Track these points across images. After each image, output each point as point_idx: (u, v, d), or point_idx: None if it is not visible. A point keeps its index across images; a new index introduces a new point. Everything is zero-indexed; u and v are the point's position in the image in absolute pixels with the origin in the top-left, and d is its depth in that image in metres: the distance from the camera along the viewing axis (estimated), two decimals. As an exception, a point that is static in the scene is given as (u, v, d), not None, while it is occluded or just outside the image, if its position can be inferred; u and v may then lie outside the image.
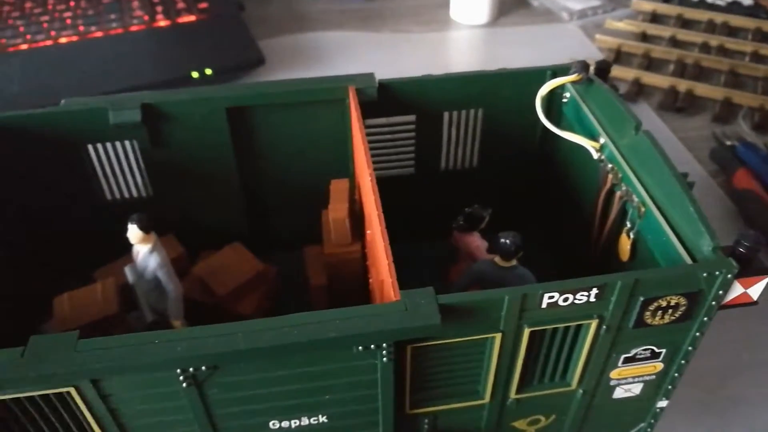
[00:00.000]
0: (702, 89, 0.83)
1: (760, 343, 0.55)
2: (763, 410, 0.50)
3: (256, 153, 0.51)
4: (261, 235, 0.55)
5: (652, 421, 0.44)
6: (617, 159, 0.43)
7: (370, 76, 0.48)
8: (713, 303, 0.35)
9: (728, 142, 0.74)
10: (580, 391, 0.40)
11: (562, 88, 0.49)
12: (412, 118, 0.51)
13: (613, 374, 0.39)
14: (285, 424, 0.36)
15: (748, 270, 0.34)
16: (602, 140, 0.45)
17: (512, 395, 0.39)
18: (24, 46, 0.90)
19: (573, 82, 0.47)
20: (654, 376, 0.40)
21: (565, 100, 0.50)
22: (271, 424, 0.36)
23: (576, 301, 0.34)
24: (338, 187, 0.48)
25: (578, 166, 0.49)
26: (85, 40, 0.92)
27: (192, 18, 0.97)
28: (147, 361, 0.30)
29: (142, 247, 0.42)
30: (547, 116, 0.48)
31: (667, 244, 0.38)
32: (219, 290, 0.48)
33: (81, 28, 0.94)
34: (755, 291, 0.35)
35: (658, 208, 0.39)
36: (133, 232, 0.41)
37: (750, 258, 0.34)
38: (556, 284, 0.33)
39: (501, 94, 0.50)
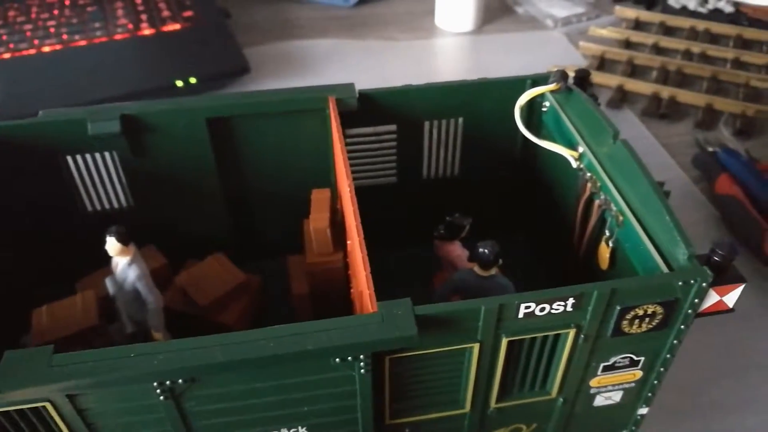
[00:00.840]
0: (684, 96, 0.83)
1: (738, 349, 0.56)
2: (744, 415, 0.51)
3: (238, 163, 0.51)
4: (244, 245, 0.55)
5: (633, 428, 0.44)
6: (596, 168, 0.43)
7: (351, 86, 0.48)
8: (689, 311, 0.35)
9: (710, 149, 0.75)
10: (561, 399, 0.40)
11: (541, 97, 0.50)
12: (393, 127, 0.51)
13: (593, 382, 0.39)
14: (264, 436, 0.36)
15: (724, 278, 0.35)
16: (581, 149, 0.45)
17: (492, 404, 0.39)
18: (6, 55, 0.90)
19: (552, 91, 0.47)
20: (634, 384, 0.40)
21: (544, 109, 0.50)
22: (250, 436, 0.36)
23: (553, 311, 0.34)
24: (319, 197, 0.48)
25: (558, 174, 0.49)
26: (69, 48, 0.92)
27: (177, 26, 0.97)
28: (123, 375, 0.30)
29: (120, 259, 0.42)
30: (527, 125, 0.48)
31: (644, 253, 0.38)
32: (201, 300, 0.48)
33: (65, 36, 0.93)
34: (731, 299, 0.36)
35: (636, 217, 0.39)
36: (112, 245, 0.41)
37: (725, 266, 0.35)
38: (532, 294, 0.33)
39: (481, 103, 0.51)
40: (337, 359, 0.32)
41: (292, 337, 0.31)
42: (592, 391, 0.40)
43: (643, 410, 0.42)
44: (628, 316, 0.35)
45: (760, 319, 0.58)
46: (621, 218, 0.40)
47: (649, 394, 0.41)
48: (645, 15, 1.00)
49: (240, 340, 0.31)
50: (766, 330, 0.57)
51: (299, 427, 0.36)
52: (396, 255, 0.54)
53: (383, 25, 1.04)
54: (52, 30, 0.95)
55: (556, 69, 0.48)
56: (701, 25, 0.96)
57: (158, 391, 0.32)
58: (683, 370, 0.50)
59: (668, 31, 0.98)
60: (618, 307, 0.34)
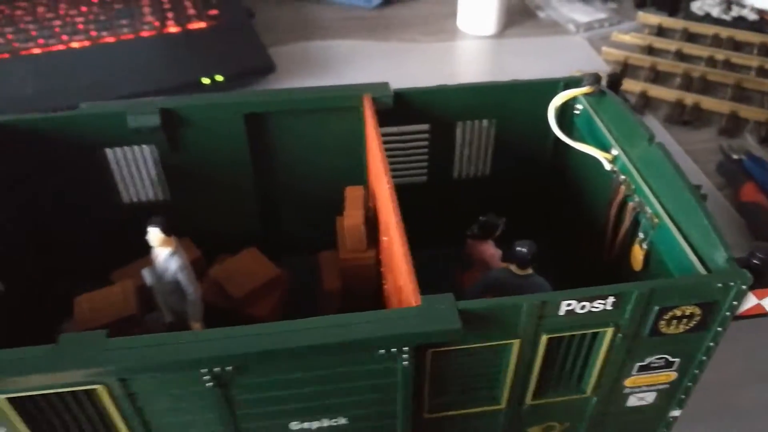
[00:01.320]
0: (708, 103, 0.83)
1: (764, 355, 0.56)
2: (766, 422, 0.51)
3: (272, 158, 0.52)
4: (275, 240, 0.56)
5: (665, 430, 0.44)
6: (630, 170, 0.44)
7: (386, 85, 0.49)
8: (727, 314, 0.36)
9: (735, 156, 0.75)
10: (595, 398, 0.40)
11: (574, 99, 0.50)
12: (425, 127, 0.52)
13: (628, 382, 0.40)
14: (306, 425, 0.37)
15: (762, 281, 0.35)
16: (615, 152, 0.45)
17: (528, 401, 0.39)
18: (36, 50, 0.91)
19: (585, 94, 0.48)
20: (668, 385, 0.40)
21: (577, 112, 0.50)
22: (291, 425, 0.37)
23: (593, 309, 0.34)
24: (353, 194, 0.49)
25: (590, 177, 0.50)
26: (97, 45, 0.93)
27: (202, 24, 0.98)
28: (175, 359, 0.30)
29: (162, 250, 0.43)
30: (560, 127, 0.48)
31: (680, 255, 0.38)
32: (235, 293, 0.49)
33: (93, 33, 0.95)
34: (768, 302, 0.36)
35: (672, 220, 0.40)
36: (154, 235, 0.42)
37: (764, 270, 0.35)
38: (574, 292, 0.34)
39: (514, 104, 0.51)
40: (381, 350, 0.33)
41: (338, 328, 0.32)
42: (626, 391, 0.40)
43: (676, 412, 0.43)
44: (666, 317, 0.35)
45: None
46: (656, 220, 0.41)
47: (682, 396, 0.41)
48: (668, 21, 1.01)
49: (287, 329, 0.32)
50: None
51: (339, 418, 0.37)
52: (424, 254, 0.54)
53: (405, 26, 1.05)
54: (80, 27, 0.96)
55: (580, 73, 0.48)
56: (725, 32, 0.96)
57: (206, 377, 0.32)
58: (710, 374, 0.50)
59: (691, 37, 0.98)
60: (657, 307, 0.35)
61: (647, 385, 0.40)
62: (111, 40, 0.94)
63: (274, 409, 0.35)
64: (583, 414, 0.41)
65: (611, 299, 0.34)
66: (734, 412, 0.51)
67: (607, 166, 0.46)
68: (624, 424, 0.43)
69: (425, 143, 0.53)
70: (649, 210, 0.42)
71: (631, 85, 0.86)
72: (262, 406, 0.35)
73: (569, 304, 0.34)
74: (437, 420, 0.39)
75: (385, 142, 0.52)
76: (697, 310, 0.35)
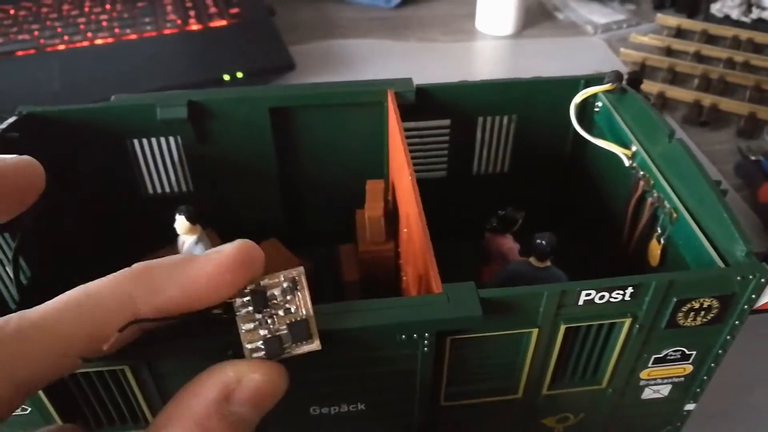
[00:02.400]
0: (726, 104, 0.83)
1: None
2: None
3: (295, 152, 0.53)
4: (296, 232, 0.57)
5: (679, 424, 0.44)
6: (649, 166, 0.44)
7: (409, 80, 0.50)
8: (745, 307, 0.36)
9: (753, 157, 0.75)
10: (610, 390, 0.40)
11: (594, 97, 0.51)
12: (447, 122, 0.52)
13: (643, 374, 0.40)
14: (325, 410, 0.37)
15: (781, 275, 0.35)
16: (634, 148, 0.46)
17: (544, 391, 0.40)
18: (61, 47, 0.93)
19: (606, 92, 0.48)
20: (683, 378, 0.41)
21: (597, 110, 0.51)
22: (311, 410, 0.37)
23: (611, 300, 0.35)
24: (374, 187, 0.50)
25: (609, 173, 0.50)
26: (120, 41, 0.94)
27: (224, 22, 0.99)
28: (199, 343, 0.31)
29: (188, 238, 0.44)
30: (579, 124, 0.49)
31: (699, 249, 0.39)
32: (256, 283, 0.50)
33: (116, 30, 0.96)
34: (787, 296, 0.36)
35: (690, 214, 0.40)
36: (181, 223, 0.43)
37: (783, 263, 0.35)
38: (594, 282, 0.34)
39: (535, 101, 0.52)
40: (404, 336, 0.33)
41: (361, 313, 0.32)
42: (642, 383, 0.41)
43: (690, 406, 0.43)
44: (684, 309, 0.36)
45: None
46: (675, 215, 0.41)
47: (698, 390, 0.42)
48: (687, 23, 1.01)
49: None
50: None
51: (358, 404, 0.38)
52: (442, 248, 0.55)
53: (424, 26, 1.06)
54: (104, 24, 0.98)
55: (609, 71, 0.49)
56: (744, 34, 0.96)
57: (230, 360, 0.33)
58: (722, 373, 0.50)
59: (710, 39, 0.98)
60: (675, 299, 0.35)
61: (663, 378, 0.40)
62: (134, 37, 0.95)
63: (293, 395, 0.36)
64: (598, 406, 0.42)
65: (630, 290, 0.34)
66: (745, 411, 0.52)
67: (626, 162, 0.46)
68: (639, 416, 0.43)
69: (446, 138, 0.54)
70: (667, 205, 0.42)
71: (649, 86, 0.86)
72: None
73: (588, 294, 0.34)
74: (454, 408, 0.40)
75: (406, 137, 0.53)
76: (715, 303, 0.36)
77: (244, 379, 0.27)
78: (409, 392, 0.37)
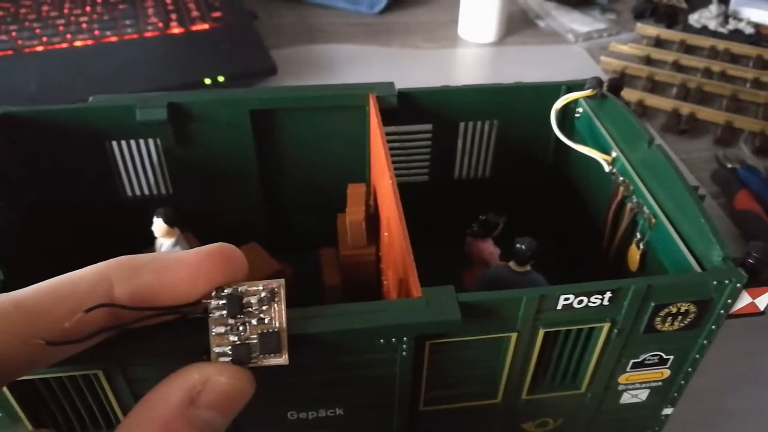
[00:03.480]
0: (704, 113, 0.85)
1: (756, 360, 0.56)
2: (762, 426, 0.51)
3: (276, 156, 0.52)
4: (277, 237, 0.56)
5: (657, 428, 0.45)
6: (629, 172, 0.45)
7: (391, 84, 0.50)
8: (722, 312, 0.36)
9: (729, 165, 0.76)
10: (589, 395, 0.41)
11: (575, 103, 0.51)
12: (428, 127, 0.52)
13: (622, 379, 0.40)
14: (303, 415, 0.37)
15: (757, 280, 0.36)
16: (614, 154, 0.46)
17: (523, 396, 0.40)
18: (39, 48, 0.92)
19: (587, 98, 0.49)
20: (661, 383, 0.41)
21: (577, 115, 0.51)
22: (289, 414, 0.37)
23: (590, 304, 0.35)
24: (355, 191, 0.49)
25: (589, 179, 0.50)
26: (100, 44, 0.94)
27: (205, 26, 0.99)
28: (174, 346, 0.30)
29: (166, 240, 0.44)
30: (560, 130, 0.49)
31: (677, 254, 0.39)
32: (235, 288, 0.49)
33: (96, 32, 0.95)
34: (762, 301, 0.37)
35: (669, 219, 0.40)
36: (158, 225, 0.42)
37: (759, 269, 0.36)
38: (572, 286, 0.34)
39: (516, 106, 0.52)
40: (382, 340, 0.33)
41: (341, 316, 0.32)
42: (620, 387, 0.41)
43: (668, 410, 0.43)
44: (662, 313, 0.36)
45: (776, 333, 0.59)
46: (654, 221, 0.41)
47: (675, 394, 0.42)
48: (666, 33, 1.02)
49: (289, 316, 0.32)
50: (785, 343, 0.58)
51: (337, 409, 0.37)
52: (424, 254, 0.55)
53: (407, 33, 1.06)
54: (84, 26, 0.97)
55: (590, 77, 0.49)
56: (722, 44, 0.98)
57: (208, 364, 0.32)
58: (700, 379, 0.51)
59: (689, 49, 0.99)
60: (653, 304, 0.35)
61: (641, 382, 0.41)
62: (114, 39, 0.94)
63: (271, 399, 0.35)
64: (577, 410, 0.42)
65: (608, 294, 0.34)
66: (724, 416, 0.52)
67: (607, 168, 0.47)
68: (617, 421, 0.43)
69: (428, 143, 0.54)
70: (647, 210, 0.42)
71: (628, 95, 0.87)
72: (260, 396, 0.35)
73: (567, 298, 0.34)
74: (433, 414, 0.40)
75: (388, 141, 0.53)
76: (692, 308, 0.36)
77: (210, 382, 0.26)
78: (388, 397, 0.37)
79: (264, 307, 0.28)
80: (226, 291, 0.28)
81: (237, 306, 0.28)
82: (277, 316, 0.29)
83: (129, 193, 0.53)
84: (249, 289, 0.28)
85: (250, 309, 0.28)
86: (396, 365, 0.35)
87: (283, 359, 0.28)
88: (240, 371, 0.28)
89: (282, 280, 0.29)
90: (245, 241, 0.53)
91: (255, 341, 0.28)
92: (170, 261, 0.28)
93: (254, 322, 0.28)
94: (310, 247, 0.55)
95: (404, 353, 0.34)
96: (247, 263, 0.29)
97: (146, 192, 0.53)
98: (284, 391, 0.35)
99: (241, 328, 0.28)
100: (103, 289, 0.27)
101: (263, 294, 0.28)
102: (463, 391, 0.39)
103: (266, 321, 0.28)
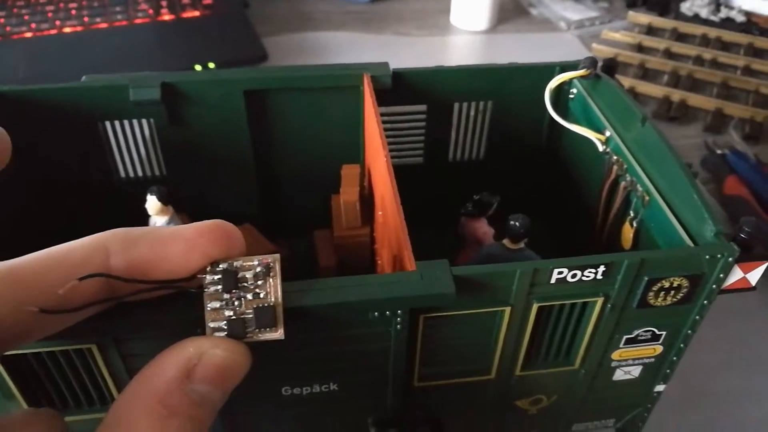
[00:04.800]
0: (695, 100, 0.85)
1: (744, 344, 0.57)
2: (746, 407, 0.52)
3: (270, 136, 0.52)
4: (272, 218, 0.56)
5: (649, 405, 0.45)
6: (622, 150, 0.45)
7: (385, 65, 0.50)
8: (714, 286, 0.37)
9: (719, 151, 0.77)
10: (583, 371, 0.41)
11: (569, 84, 0.51)
12: (423, 107, 0.52)
13: (615, 355, 0.40)
14: (297, 390, 0.37)
15: (749, 255, 0.36)
16: (608, 133, 0.46)
17: (517, 372, 0.40)
18: (28, 34, 0.91)
19: (581, 78, 0.49)
20: (653, 359, 0.41)
21: (572, 96, 0.51)
22: (283, 390, 0.37)
23: (584, 278, 0.35)
24: (349, 172, 0.49)
25: (583, 158, 0.51)
26: (90, 30, 0.93)
27: (196, 13, 0.98)
28: (167, 320, 0.30)
29: (159, 219, 0.43)
30: (555, 111, 0.49)
31: (670, 230, 0.39)
32: (229, 269, 0.49)
33: (86, 19, 0.95)
34: (754, 276, 0.37)
35: (662, 196, 0.41)
36: (152, 203, 0.42)
37: (751, 243, 0.36)
38: (566, 260, 0.34)
39: (510, 87, 0.52)
40: (376, 314, 0.33)
41: (334, 289, 0.32)
42: (613, 364, 0.41)
43: (660, 387, 0.44)
44: (655, 288, 0.36)
45: (763, 316, 0.60)
46: (647, 198, 0.42)
47: (667, 371, 0.42)
48: (658, 21, 1.02)
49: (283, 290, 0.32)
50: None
51: (331, 384, 0.37)
52: (418, 236, 0.55)
53: (399, 21, 1.06)
54: (73, 12, 0.96)
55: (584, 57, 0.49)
56: (713, 32, 0.98)
57: (202, 338, 0.32)
58: (689, 362, 0.51)
59: (680, 37, 1.00)
60: (646, 278, 0.35)
61: (634, 359, 0.41)
62: (104, 26, 0.94)
63: (265, 374, 0.35)
64: (570, 387, 0.42)
65: (602, 268, 0.35)
66: (713, 397, 0.53)
67: (600, 147, 0.47)
68: (610, 398, 0.44)
69: (422, 124, 0.54)
70: (640, 188, 0.43)
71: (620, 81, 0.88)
72: (254, 371, 0.35)
73: (561, 272, 0.34)
74: (427, 390, 0.40)
75: (384, 122, 0.53)
76: (685, 282, 0.36)
77: (206, 355, 0.26)
78: (382, 372, 0.37)
79: (259, 282, 0.28)
80: (221, 266, 0.28)
81: (232, 281, 0.28)
82: (273, 290, 0.28)
83: (123, 174, 0.53)
84: (244, 264, 0.28)
85: (246, 284, 0.28)
86: (390, 339, 0.35)
87: (278, 334, 0.28)
88: (236, 344, 0.28)
89: (277, 255, 0.29)
90: (240, 223, 0.52)
91: (250, 316, 0.28)
92: (166, 234, 0.28)
93: (249, 296, 0.28)
94: (304, 228, 0.55)
95: (398, 327, 0.34)
96: (244, 241, 0.29)
97: (140, 173, 0.53)
98: (278, 366, 0.35)
99: (236, 303, 0.28)
100: (99, 258, 0.26)
101: (259, 269, 0.28)
102: (457, 368, 0.39)
103: (262, 296, 0.28)
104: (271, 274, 0.29)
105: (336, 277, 0.33)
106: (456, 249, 0.54)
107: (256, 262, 0.29)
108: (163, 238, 0.28)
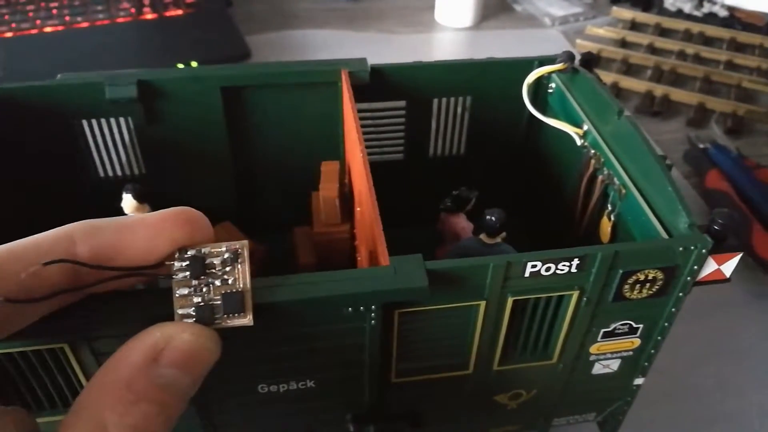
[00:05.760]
0: (677, 94, 0.85)
1: (723, 336, 0.58)
2: (732, 399, 0.52)
3: (249, 133, 0.52)
4: (251, 216, 0.56)
5: (629, 398, 0.45)
6: (600, 144, 0.45)
7: (363, 60, 0.50)
8: (688, 278, 0.37)
9: (701, 145, 0.77)
10: (561, 365, 0.41)
11: (548, 79, 0.51)
12: (402, 103, 0.52)
13: (593, 349, 0.40)
14: (273, 388, 0.37)
15: (722, 246, 0.36)
16: (585, 127, 0.46)
17: (495, 367, 0.40)
18: (8, 34, 0.90)
19: (559, 72, 0.49)
20: (631, 352, 0.41)
21: (550, 91, 0.51)
22: (259, 387, 0.37)
23: (558, 271, 0.35)
24: (329, 168, 0.49)
25: (562, 153, 0.51)
26: (71, 29, 0.92)
27: (179, 12, 0.98)
28: (139, 316, 0.30)
29: (135, 217, 0.43)
30: (534, 106, 0.49)
31: (646, 223, 0.39)
32: (207, 266, 0.49)
33: (67, 18, 0.94)
34: (728, 268, 0.37)
35: (638, 189, 0.41)
36: (128, 202, 0.42)
37: (724, 235, 0.36)
38: (539, 254, 0.34)
39: (489, 82, 0.52)
40: (349, 309, 0.33)
41: (306, 285, 0.32)
42: (592, 358, 0.41)
43: (640, 380, 0.44)
44: (630, 281, 0.36)
45: (745, 309, 0.60)
46: (623, 191, 0.42)
47: (646, 364, 0.42)
48: (641, 16, 1.03)
49: (256, 285, 0.32)
50: (751, 319, 0.60)
51: (307, 381, 0.37)
52: (399, 233, 0.55)
53: (383, 18, 1.06)
54: (54, 11, 0.95)
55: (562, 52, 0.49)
56: (696, 27, 0.99)
57: (175, 335, 0.32)
58: (667, 356, 0.51)
59: (663, 32, 1.00)
60: (620, 271, 0.35)
61: (612, 352, 0.41)
62: (85, 25, 0.93)
63: (240, 370, 0.35)
64: (549, 382, 0.42)
65: (576, 261, 0.35)
66: (694, 391, 0.53)
67: (578, 141, 0.47)
68: (590, 392, 0.44)
69: (402, 120, 0.53)
70: (617, 181, 0.43)
71: (603, 77, 0.88)
72: (229, 368, 0.35)
73: (534, 266, 0.34)
74: (405, 385, 0.40)
75: (362, 119, 0.52)
76: (660, 275, 0.36)
77: (173, 339, 0.26)
78: (358, 368, 0.37)
79: (227, 268, 0.28)
80: (189, 253, 0.28)
81: (200, 267, 0.28)
82: (241, 276, 0.28)
83: (101, 173, 0.52)
84: (212, 250, 0.28)
85: (214, 270, 0.28)
86: (365, 335, 0.35)
87: (247, 320, 0.28)
88: (204, 329, 0.27)
89: (245, 242, 0.29)
90: (219, 221, 0.53)
91: (218, 302, 0.28)
92: (132, 221, 0.28)
93: (218, 283, 0.28)
94: (285, 226, 0.55)
95: (372, 322, 0.34)
96: (211, 226, 0.29)
97: (119, 173, 0.52)
98: (253, 362, 0.35)
99: (204, 290, 0.28)
100: (63, 246, 0.27)
101: (226, 255, 0.28)
102: (435, 363, 0.39)
103: (230, 282, 0.28)
104: (240, 260, 0.29)
105: (308, 273, 0.33)
106: (437, 245, 0.54)
107: (224, 248, 0.29)
108: (129, 225, 0.28)
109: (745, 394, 0.53)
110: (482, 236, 0.42)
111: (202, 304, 0.28)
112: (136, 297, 0.30)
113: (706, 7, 1.04)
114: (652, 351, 0.41)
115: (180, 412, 0.26)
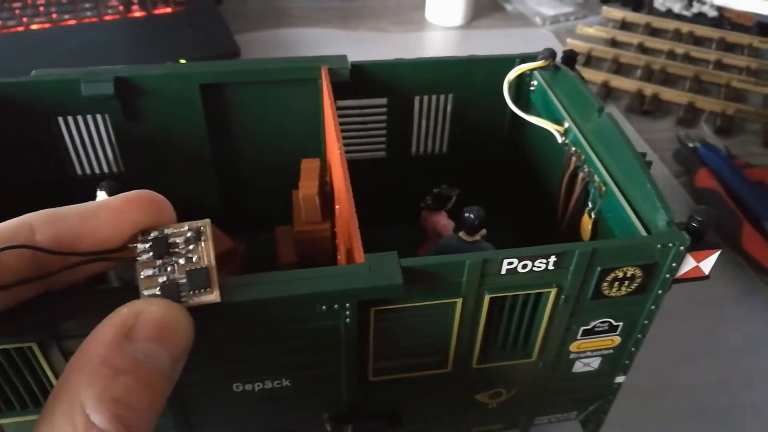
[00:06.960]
0: (667, 94, 0.85)
1: (710, 334, 0.57)
2: (714, 396, 0.52)
3: (229, 131, 0.51)
4: (232, 215, 0.55)
5: (611, 397, 0.45)
6: (581, 142, 0.44)
7: (343, 57, 0.49)
8: (667, 275, 0.36)
9: (691, 144, 0.77)
10: (541, 363, 0.40)
11: (530, 76, 0.51)
12: (383, 101, 0.52)
13: (573, 347, 0.40)
14: (248, 387, 0.36)
15: (701, 244, 0.36)
16: (567, 124, 0.46)
17: (474, 365, 0.39)
18: (-5, 31, 0.90)
19: (541, 69, 0.49)
20: (612, 350, 0.41)
21: (532, 88, 0.51)
22: (234, 386, 0.36)
23: (535, 269, 0.35)
24: (309, 166, 0.49)
25: (544, 150, 0.50)
26: (58, 27, 0.92)
27: (168, 9, 0.97)
28: (104, 309, 0.29)
29: (110, 215, 0.42)
30: (515, 104, 0.49)
31: (625, 221, 0.39)
32: (187, 265, 0.48)
33: (54, 15, 0.93)
34: (707, 265, 0.37)
35: (618, 187, 0.40)
36: (102, 199, 0.41)
37: (702, 232, 0.36)
38: (515, 251, 0.34)
39: (471, 79, 0.52)
40: (324, 307, 0.33)
41: (279, 283, 0.31)
42: (572, 356, 0.41)
43: (620, 379, 0.43)
44: (609, 278, 0.36)
45: (733, 307, 0.60)
46: (603, 188, 0.41)
47: (626, 362, 0.42)
48: (631, 16, 1.03)
49: (226, 284, 0.31)
50: (738, 316, 0.59)
51: (283, 380, 0.37)
52: (382, 232, 0.54)
53: (374, 17, 1.05)
54: (41, 9, 0.95)
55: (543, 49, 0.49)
56: (686, 27, 0.99)
57: (146, 333, 0.32)
58: (655, 354, 0.51)
59: (653, 32, 1.00)
60: (599, 268, 0.35)
61: (592, 350, 0.41)
62: (73, 23, 0.93)
63: (215, 371, 0.35)
64: (529, 380, 0.42)
65: (553, 258, 0.34)
66: (680, 390, 0.52)
67: (559, 139, 0.46)
68: (571, 391, 0.43)
69: (383, 117, 0.53)
70: (597, 179, 0.42)
71: (594, 76, 0.88)
72: (203, 368, 0.34)
73: (511, 263, 0.34)
74: (383, 384, 0.39)
75: (344, 116, 0.52)
76: (639, 272, 0.36)
77: (142, 313, 0.26)
78: (335, 367, 0.37)
79: (191, 247, 0.28)
80: (152, 234, 0.28)
81: (163, 247, 0.28)
82: (205, 254, 0.29)
83: (79, 171, 0.52)
84: (175, 230, 0.29)
85: (177, 249, 0.28)
86: (340, 333, 0.34)
87: (214, 296, 0.28)
88: (172, 303, 0.27)
89: (208, 220, 0.29)
90: (199, 219, 0.52)
91: (184, 280, 0.28)
92: (94, 206, 0.28)
93: (182, 261, 0.28)
94: (266, 224, 0.54)
95: (348, 320, 0.34)
96: (172, 208, 0.29)
97: (97, 170, 0.52)
98: (227, 361, 0.35)
99: (169, 269, 0.28)
100: (23, 234, 0.26)
101: (189, 234, 0.29)
102: (412, 361, 0.38)
103: (194, 260, 0.28)
104: (203, 238, 0.29)
105: (283, 271, 0.32)
106: (421, 243, 0.53)
107: (186, 228, 0.29)
108: (91, 210, 0.28)
109: (735, 392, 0.53)
110: (461, 233, 0.42)
111: (167, 283, 0.28)
112: (104, 293, 0.30)
113: (696, 7, 1.04)
114: (633, 349, 0.41)
115: (165, 393, 0.26)
